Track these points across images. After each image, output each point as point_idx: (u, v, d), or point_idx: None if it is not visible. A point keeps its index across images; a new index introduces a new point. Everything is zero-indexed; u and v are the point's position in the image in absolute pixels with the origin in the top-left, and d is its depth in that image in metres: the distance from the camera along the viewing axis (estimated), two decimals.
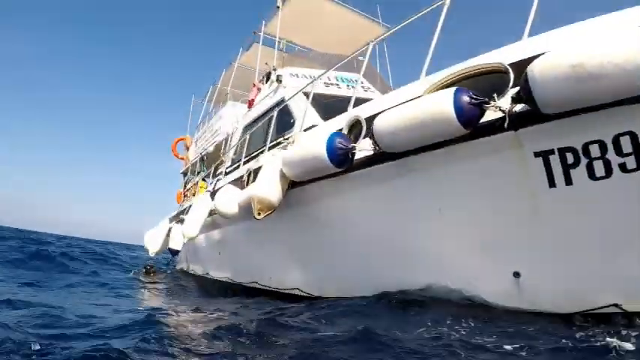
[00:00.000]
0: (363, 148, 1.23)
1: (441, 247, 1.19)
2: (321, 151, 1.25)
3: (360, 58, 2.01)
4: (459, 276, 1.19)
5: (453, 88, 1.00)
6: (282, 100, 2.14)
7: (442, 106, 0.99)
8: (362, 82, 2.20)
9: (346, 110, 1.46)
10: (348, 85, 2.35)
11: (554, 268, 1.04)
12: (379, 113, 1.19)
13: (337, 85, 2.34)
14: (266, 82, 2.68)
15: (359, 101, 1.48)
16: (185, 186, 4.16)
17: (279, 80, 2.37)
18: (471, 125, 0.98)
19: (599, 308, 1.00)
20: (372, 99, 1.51)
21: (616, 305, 0.99)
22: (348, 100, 1.55)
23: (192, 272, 3.46)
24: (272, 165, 1.53)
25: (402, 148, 1.13)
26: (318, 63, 2.57)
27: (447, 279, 1.19)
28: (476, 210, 1.11)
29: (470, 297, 1.15)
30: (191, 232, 2.25)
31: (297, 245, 1.77)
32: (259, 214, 1.44)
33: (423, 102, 1.06)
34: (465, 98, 0.97)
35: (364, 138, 1.25)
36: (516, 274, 1.08)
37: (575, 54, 0.82)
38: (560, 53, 0.85)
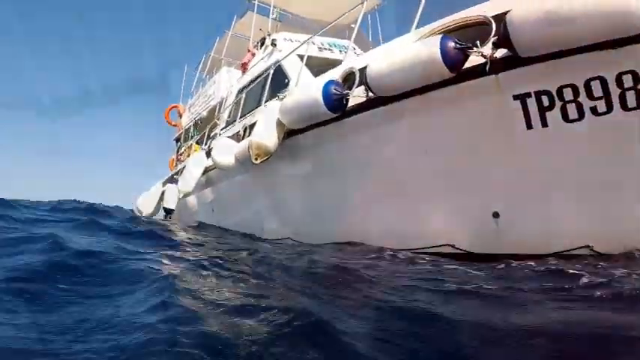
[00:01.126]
0: (357, 95, 1.32)
1: (427, 187, 1.29)
2: (317, 96, 1.34)
3: (352, 25, 2.07)
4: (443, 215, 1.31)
5: (439, 36, 1.10)
6: (277, 63, 2.21)
7: (430, 50, 1.08)
8: (354, 48, 2.28)
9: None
10: (340, 51, 2.42)
11: (531, 209, 1.13)
12: (372, 62, 1.29)
13: (330, 49, 2.41)
14: (260, 47, 2.72)
15: None
16: (178, 152, 4.20)
17: (273, 44, 2.42)
18: (456, 69, 1.07)
19: (573, 249, 1.09)
20: None
21: (588, 247, 1.08)
22: (340, 63, 1.64)
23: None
24: (269, 113, 1.62)
25: (393, 92, 1.23)
26: (312, 31, 2.62)
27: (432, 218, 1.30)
28: (459, 151, 1.21)
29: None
30: (186, 188, 2.33)
31: (288, 195, 1.88)
32: (256, 159, 1.53)
33: (413, 47, 1.15)
34: (451, 44, 1.06)
35: (357, 87, 1.34)
36: (496, 215, 1.19)
37: (549, 1, 0.92)
38: (534, 1, 0.94)
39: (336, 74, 1.51)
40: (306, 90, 1.45)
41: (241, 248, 1.50)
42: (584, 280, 0.81)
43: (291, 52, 2.02)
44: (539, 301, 0.73)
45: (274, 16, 3.12)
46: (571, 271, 0.89)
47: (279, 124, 1.55)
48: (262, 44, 2.72)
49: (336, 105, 1.35)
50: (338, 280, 0.91)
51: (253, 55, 2.80)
